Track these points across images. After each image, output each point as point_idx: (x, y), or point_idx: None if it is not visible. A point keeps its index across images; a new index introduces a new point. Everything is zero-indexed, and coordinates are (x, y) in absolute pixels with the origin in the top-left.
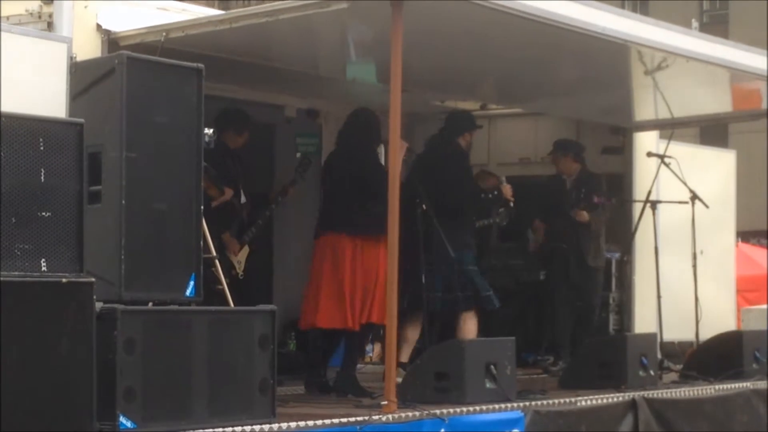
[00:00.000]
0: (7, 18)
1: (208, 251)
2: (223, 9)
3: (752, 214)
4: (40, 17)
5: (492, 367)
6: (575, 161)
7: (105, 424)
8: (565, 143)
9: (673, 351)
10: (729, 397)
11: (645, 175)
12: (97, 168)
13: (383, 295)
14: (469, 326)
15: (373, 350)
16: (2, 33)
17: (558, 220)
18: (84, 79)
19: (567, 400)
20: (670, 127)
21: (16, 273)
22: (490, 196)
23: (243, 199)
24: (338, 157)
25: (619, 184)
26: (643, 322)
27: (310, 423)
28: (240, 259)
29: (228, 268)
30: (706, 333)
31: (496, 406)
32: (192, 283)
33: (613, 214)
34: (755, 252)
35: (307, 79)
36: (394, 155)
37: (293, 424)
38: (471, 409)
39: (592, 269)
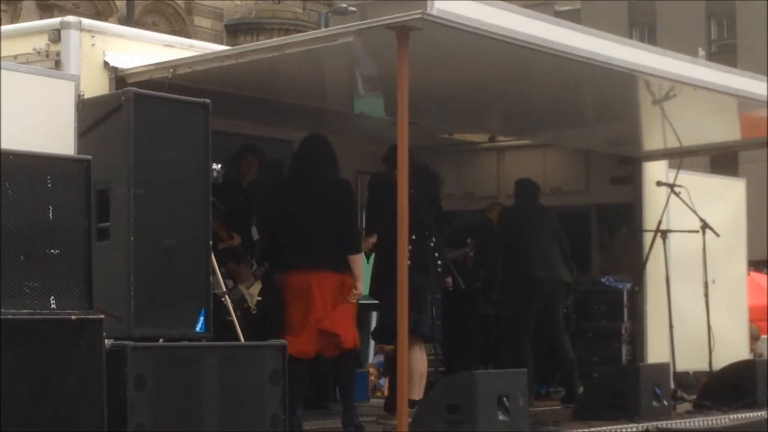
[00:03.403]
0: (15, 57)
1: (219, 287)
2: (230, 44)
3: (763, 243)
4: (47, 56)
5: (504, 399)
6: None
7: None
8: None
9: (686, 381)
10: (743, 427)
11: (655, 204)
12: (105, 205)
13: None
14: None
15: (386, 384)
16: (11, 72)
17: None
18: (91, 116)
19: (580, 431)
20: (679, 156)
21: (26, 311)
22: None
23: (256, 236)
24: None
25: (629, 214)
26: (655, 352)
27: None
28: (252, 293)
29: (240, 301)
30: (720, 362)
31: None
32: (202, 318)
33: (623, 244)
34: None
35: (314, 114)
36: (402, 186)
37: None
38: None
39: None
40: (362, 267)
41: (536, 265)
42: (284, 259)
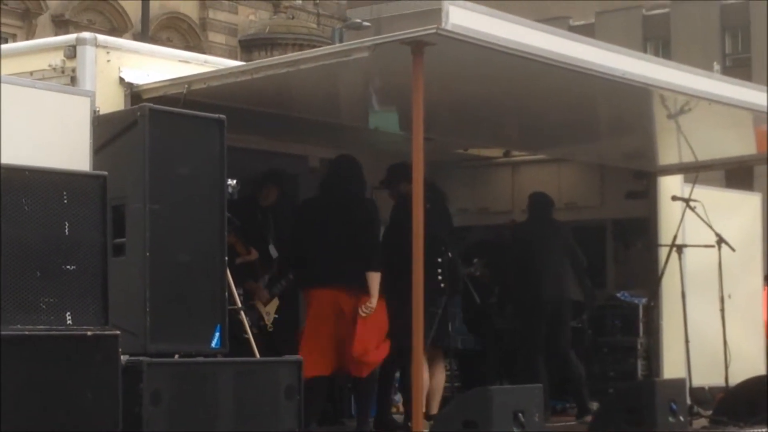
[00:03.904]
0: (31, 73)
1: (234, 302)
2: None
3: None
4: (63, 72)
5: (520, 414)
6: None
7: None
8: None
9: (702, 396)
10: None
11: (670, 219)
12: (121, 220)
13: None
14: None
15: (400, 399)
16: (27, 88)
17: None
18: (107, 132)
19: None
20: (695, 171)
21: (42, 326)
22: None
23: (274, 254)
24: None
25: (644, 228)
26: (671, 367)
27: None
28: (269, 310)
29: (256, 319)
30: (736, 377)
31: None
32: (217, 334)
33: (639, 259)
34: None
35: (329, 129)
36: (417, 203)
37: None
38: None
39: None
40: (377, 286)
41: (543, 282)
42: (308, 275)
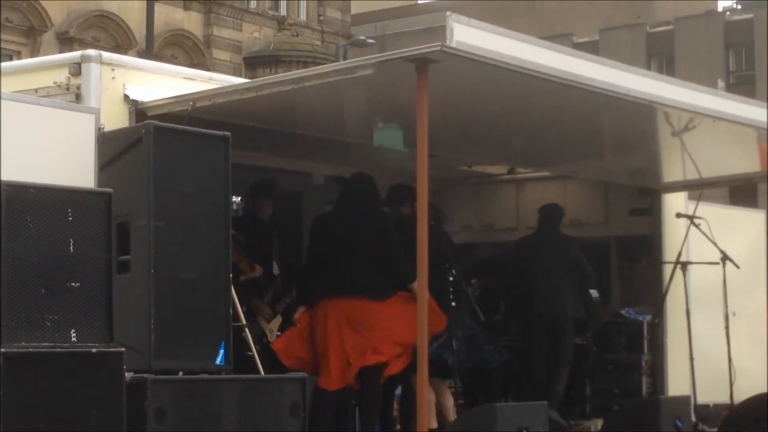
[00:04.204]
0: (36, 90)
1: (238, 319)
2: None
3: None
4: (68, 89)
5: (524, 431)
6: None
7: None
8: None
9: (707, 414)
10: None
11: (674, 236)
12: (126, 237)
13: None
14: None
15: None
16: (31, 105)
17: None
18: (112, 149)
19: None
20: (699, 188)
21: (46, 344)
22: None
23: (276, 270)
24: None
25: (649, 245)
26: (676, 384)
27: None
28: (272, 327)
29: (260, 335)
30: (740, 395)
31: None
32: (222, 351)
33: (643, 276)
34: None
35: (334, 146)
36: (422, 220)
37: None
38: None
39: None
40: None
41: (537, 299)
42: (320, 287)
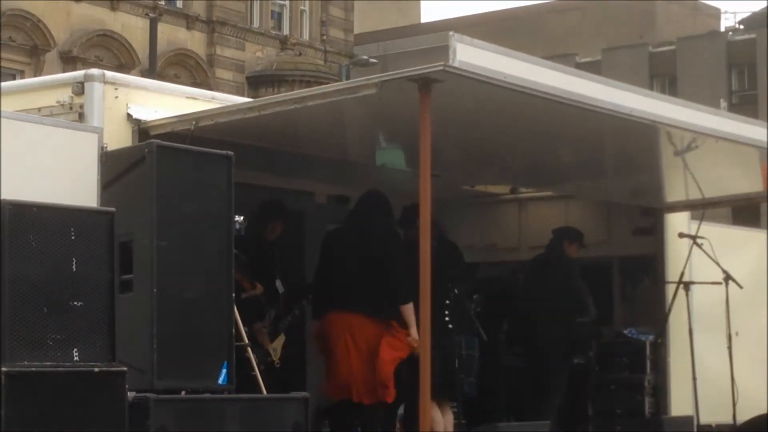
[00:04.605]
0: (39, 110)
1: (241, 339)
2: (251, 96)
3: None
4: (71, 108)
5: None
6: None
7: None
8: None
9: None
10: None
11: (677, 256)
12: (128, 257)
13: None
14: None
15: None
16: (34, 124)
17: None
18: (115, 168)
19: None
20: (702, 208)
21: (48, 363)
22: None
23: (281, 289)
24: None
25: (651, 265)
26: (678, 404)
27: None
28: (276, 346)
29: (263, 355)
30: (743, 415)
31: None
32: (224, 370)
33: (646, 296)
34: None
35: (336, 166)
36: (425, 239)
37: None
38: None
39: None
40: (413, 316)
41: (530, 321)
42: (327, 301)
